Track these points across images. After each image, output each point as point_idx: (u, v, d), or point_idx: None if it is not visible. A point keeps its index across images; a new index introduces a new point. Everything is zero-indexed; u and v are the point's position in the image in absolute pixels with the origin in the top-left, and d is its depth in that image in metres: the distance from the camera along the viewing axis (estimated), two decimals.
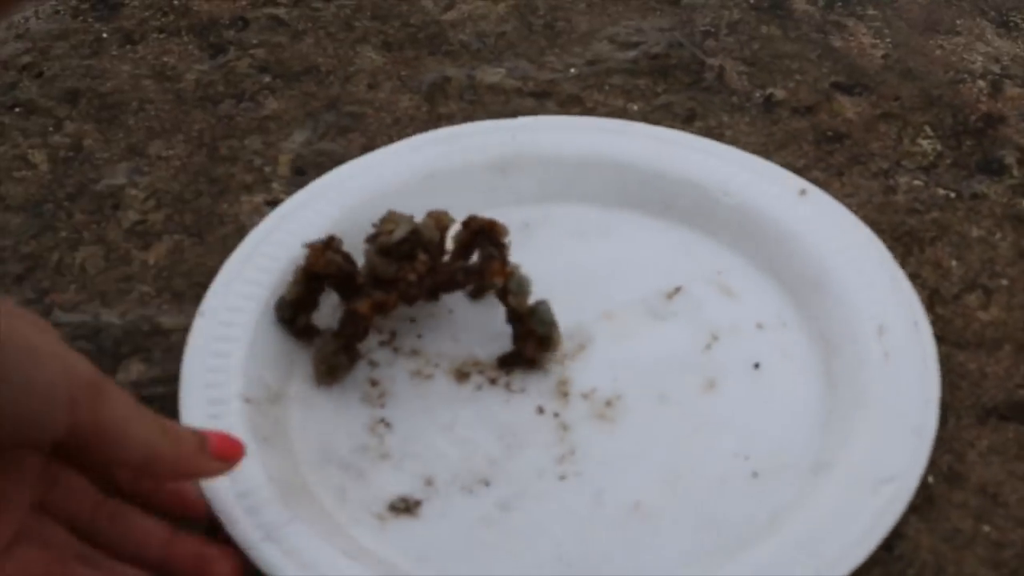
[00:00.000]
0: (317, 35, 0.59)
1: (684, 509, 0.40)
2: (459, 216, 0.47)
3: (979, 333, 0.46)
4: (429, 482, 0.42)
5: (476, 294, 0.47)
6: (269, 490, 0.40)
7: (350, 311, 0.42)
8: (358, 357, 0.44)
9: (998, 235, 0.49)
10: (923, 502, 0.40)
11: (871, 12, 0.60)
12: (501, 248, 0.44)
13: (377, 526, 0.41)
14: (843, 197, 0.50)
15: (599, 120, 0.54)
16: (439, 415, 0.43)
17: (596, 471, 0.41)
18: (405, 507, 0.41)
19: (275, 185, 0.50)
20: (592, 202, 0.51)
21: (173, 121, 0.54)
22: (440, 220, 0.44)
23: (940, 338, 0.45)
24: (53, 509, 0.39)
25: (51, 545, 0.39)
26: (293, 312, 0.44)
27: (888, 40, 0.59)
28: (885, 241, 0.48)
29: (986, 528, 0.40)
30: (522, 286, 0.44)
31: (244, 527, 0.38)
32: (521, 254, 0.46)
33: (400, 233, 0.43)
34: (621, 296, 0.48)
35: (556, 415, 0.42)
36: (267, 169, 0.51)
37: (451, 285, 0.44)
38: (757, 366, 0.44)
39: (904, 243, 0.49)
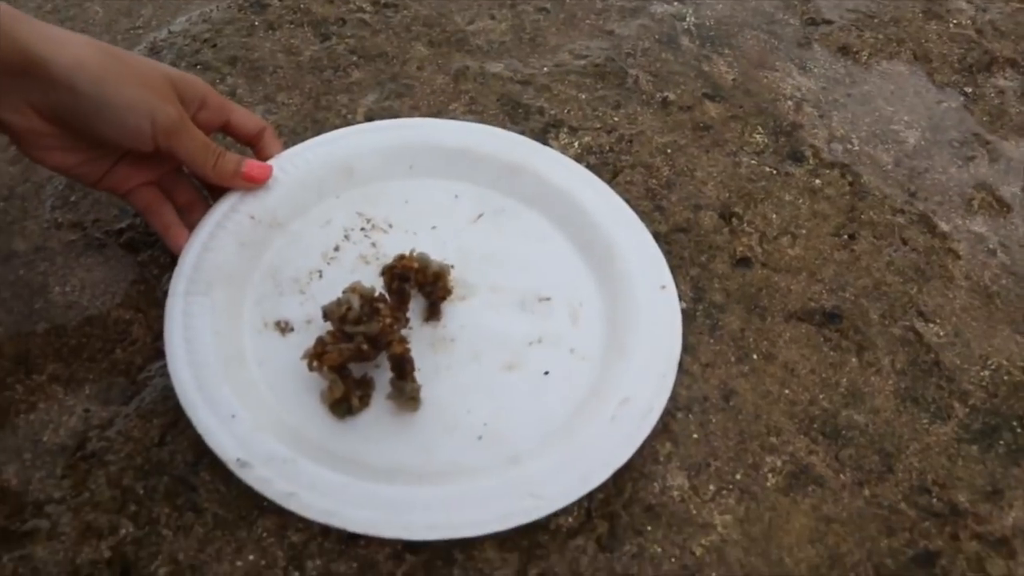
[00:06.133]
0: (388, 33, 0.74)
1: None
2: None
3: (788, 263, 0.60)
4: (309, 322, 0.53)
5: (430, 316, 0.54)
6: (213, 273, 0.52)
7: (395, 357, 0.48)
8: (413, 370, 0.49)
9: (800, 201, 0.64)
10: (749, 371, 0.54)
11: (726, 52, 0.75)
12: (412, 271, 0.51)
13: (259, 329, 0.53)
14: (708, 167, 0.65)
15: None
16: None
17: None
18: (282, 327, 0.53)
19: None
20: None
21: (293, 81, 0.69)
22: (359, 287, 0.49)
23: (764, 264, 0.60)
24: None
25: (174, 190, 0.56)
26: (347, 405, 0.49)
27: (736, 70, 0.74)
28: (731, 199, 0.63)
29: (787, 391, 0.54)
30: (423, 260, 0.51)
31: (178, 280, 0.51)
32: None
33: (355, 304, 0.47)
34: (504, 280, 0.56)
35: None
36: (349, 116, 0.66)
37: (405, 299, 0.52)
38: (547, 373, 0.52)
39: (744, 200, 0.64)
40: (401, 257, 0.51)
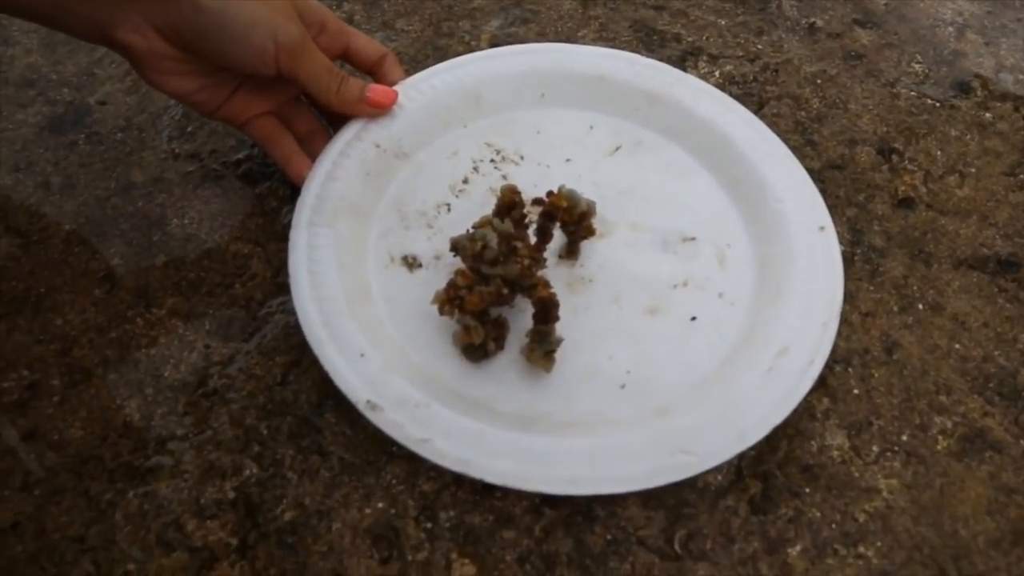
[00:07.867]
0: None
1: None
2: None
3: (956, 205, 0.55)
4: (438, 258, 0.50)
5: (569, 254, 0.50)
6: (337, 204, 0.49)
7: (541, 300, 0.43)
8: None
9: (968, 136, 0.59)
10: (914, 322, 0.50)
11: None
12: (559, 210, 0.46)
13: (385, 264, 0.50)
14: (863, 99, 0.60)
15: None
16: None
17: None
18: (409, 263, 0.50)
19: None
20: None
21: (413, 7, 0.66)
22: (495, 223, 0.44)
23: (929, 205, 0.55)
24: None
25: (294, 120, 0.54)
26: (483, 350, 0.45)
27: None
28: (890, 134, 0.58)
29: (957, 346, 0.50)
30: (572, 198, 0.46)
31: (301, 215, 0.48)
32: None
33: (492, 242, 0.43)
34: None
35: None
36: (472, 43, 0.63)
37: (547, 239, 0.48)
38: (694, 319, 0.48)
39: (905, 135, 0.58)
40: (549, 193, 0.46)
